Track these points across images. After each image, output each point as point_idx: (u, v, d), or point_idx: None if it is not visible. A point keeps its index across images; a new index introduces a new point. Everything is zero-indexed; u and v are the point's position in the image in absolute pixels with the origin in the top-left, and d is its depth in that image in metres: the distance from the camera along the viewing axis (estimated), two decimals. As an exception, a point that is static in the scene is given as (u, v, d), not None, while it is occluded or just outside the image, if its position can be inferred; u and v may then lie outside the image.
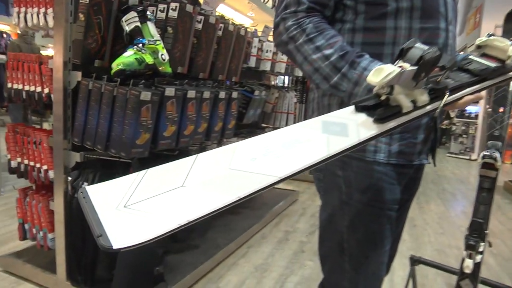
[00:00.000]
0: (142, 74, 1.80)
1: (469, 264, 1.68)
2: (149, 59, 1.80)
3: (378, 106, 0.74)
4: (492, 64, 0.86)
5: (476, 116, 8.44)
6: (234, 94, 2.38)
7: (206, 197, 0.58)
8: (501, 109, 1.58)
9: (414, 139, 1.02)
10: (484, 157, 1.68)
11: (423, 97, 0.76)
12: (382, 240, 1.08)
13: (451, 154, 8.48)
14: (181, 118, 1.96)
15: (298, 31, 0.96)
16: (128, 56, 1.76)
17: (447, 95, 0.78)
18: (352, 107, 0.76)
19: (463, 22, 10.16)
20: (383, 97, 0.74)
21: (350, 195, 1.06)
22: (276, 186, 0.66)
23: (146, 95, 1.71)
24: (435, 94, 0.78)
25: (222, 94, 2.24)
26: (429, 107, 0.78)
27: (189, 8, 2.05)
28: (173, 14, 2.00)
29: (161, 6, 2.02)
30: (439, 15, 0.99)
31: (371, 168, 1.03)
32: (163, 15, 2.02)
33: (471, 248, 1.70)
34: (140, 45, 1.82)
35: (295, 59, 1.00)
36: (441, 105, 0.78)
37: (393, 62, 0.74)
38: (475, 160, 8.27)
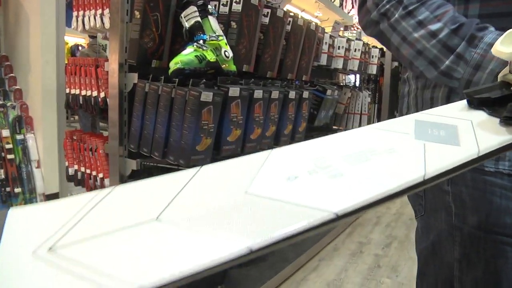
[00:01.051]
0: (203, 73, 1.64)
1: None
2: (210, 56, 1.64)
3: (507, 100, 0.49)
4: None
5: None
6: (305, 94, 2.16)
7: (190, 244, 0.31)
8: None
9: None
10: None
11: None
12: (510, 281, 0.81)
13: None
14: (247, 120, 1.77)
15: (392, 4, 0.74)
16: (187, 54, 1.60)
17: None
18: (464, 101, 0.53)
19: None
20: None
21: (463, 217, 0.80)
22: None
23: (207, 96, 1.54)
24: None
25: (292, 94, 2.03)
26: None
27: (255, 0, 1.87)
28: (237, 7, 1.83)
29: (223, 0, 1.86)
30: None
31: (492, 182, 0.76)
32: (226, 9, 1.85)
33: None
34: (201, 41, 1.66)
35: (389, 42, 0.76)
36: None
37: None
38: None
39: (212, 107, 1.57)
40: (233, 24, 1.84)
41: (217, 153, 1.70)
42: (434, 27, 0.69)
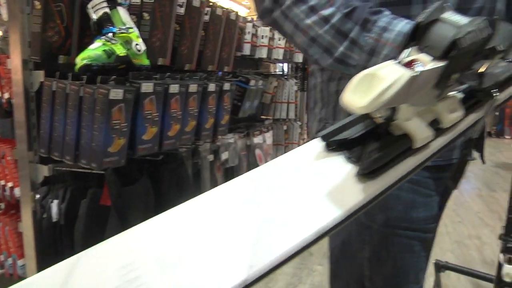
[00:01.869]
0: (113, 69, 1.54)
1: (509, 271, 1.43)
2: (120, 51, 1.54)
3: (369, 139, 0.41)
4: None
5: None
6: (226, 86, 2.11)
7: None
8: None
9: None
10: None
11: (454, 114, 0.45)
12: (416, 274, 0.82)
13: (459, 134, 8.22)
14: (164, 117, 1.70)
15: None
16: (95, 49, 1.49)
17: (495, 96, 0.47)
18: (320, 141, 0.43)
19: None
20: (378, 121, 0.42)
21: (371, 215, 0.79)
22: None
23: (117, 93, 1.45)
24: (477, 98, 0.48)
25: (211, 87, 1.97)
26: (464, 125, 0.46)
27: (168, -11, 1.78)
28: (150, -3, 1.73)
29: (135, -11, 1.75)
30: None
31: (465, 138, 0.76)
32: (138, 0, 1.75)
33: (510, 251, 1.45)
34: (110, 34, 1.55)
35: (283, 30, 0.72)
36: (488, 112, 0.48)
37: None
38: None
39: (124, 105, 1.48)
40: (146, 15, 1.74)
41: (132, 153, 1.61)
42: (326, 12, 0.65)
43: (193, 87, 1.81)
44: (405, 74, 0.33)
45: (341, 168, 0.38)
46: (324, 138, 0.42)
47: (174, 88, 1.70)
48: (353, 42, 0.63)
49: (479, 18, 0.38)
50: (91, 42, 1.56)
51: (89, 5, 1.58)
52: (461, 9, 0.70)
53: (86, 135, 1.47)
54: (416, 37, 0.40)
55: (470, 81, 0.45)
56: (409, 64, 0.37)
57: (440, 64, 0.36)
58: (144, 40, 1.67)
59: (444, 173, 0.78)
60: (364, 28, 0.63)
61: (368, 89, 0.33)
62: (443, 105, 0.43)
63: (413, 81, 0.33)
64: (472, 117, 0.47)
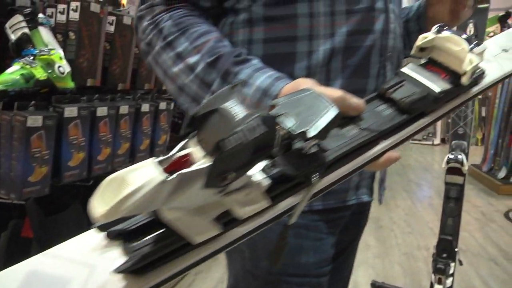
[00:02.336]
0: (34, 93, 1.46)
1: (439, 290, 1.43)
2: (40, 74, 1.46)
3: (151, 229, 0.35)
4: (437, 86, 0.52)
5: (435, 101, 8.40)
6: (162, 105, 2.05)
7: None
8: None
9: None
10: (448, 161, 1.43)
11: (250, 207, 0.37)
12: None
13: (414, 141, 8.40)
14: (91, 141, 1.62)
15: (154, 33, 0.65)
16: (11, 73, 1.41)
17: (314, 180, 0.40)
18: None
19: None
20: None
21: (255, 262, 0.75)
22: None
23: (35, 120, 1.37)
24: (296, 181, 0.40)
25: (145, 107, 1.91)
26: (272, 212, 0.39)
27: (95, 7, 1.72)
28: (75, 15, 1.66)
29: (60, 7, 1.68)
30: None
31: (285, 221, 0.71)
32: (63, 18, 1.68)
33: (440, 272, 1.45)
34: (30, 57, 1.48)
35: (158, 75, 0.69)
36: (306, 199, 0.40)
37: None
38: (438, 145, 8.24)
39: (44, 132, 1.41)
40: (72, 34, 1.67)
41: (58, 181, 1.53)
42: (192, 59, 0.62)
43: (124, 109, 1.75)
44: (154, 179, 0.29)
45: (114, 261, 0.33)
46: (101, 228, 0.36)
47: (102, 111, 1.63)
48: None
49: (254, 114, 0.32)
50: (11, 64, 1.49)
51: (7, 25, 1.50)
52: (350, 48, 0.69)
53: (5, 165, 1.39)
54: (194, 127, 0.34)
55: (282, 165, 0.39)
56: (179, 161, 0.33)
57: (207, 164, 0.31)
58: (71, 61, 1.60)
59: (340, 213, 0.76)
60: (225, 81, 0.59)
61: (114, 194, 0.29)
62: (232, 199, 0.35)
63: (166, 185, 0.29)
64: (287, 203, 0.40)
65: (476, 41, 0.53)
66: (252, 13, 0.70)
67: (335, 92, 0.48)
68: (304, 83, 0.53)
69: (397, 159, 0.50)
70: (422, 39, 0.56)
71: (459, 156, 1.40)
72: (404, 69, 0.55)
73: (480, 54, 0.52)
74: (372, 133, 0.46)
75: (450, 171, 1.43)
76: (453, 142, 1.49)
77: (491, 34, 7.57)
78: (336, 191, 0.73)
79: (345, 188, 0.74)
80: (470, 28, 1.60)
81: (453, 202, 1.44)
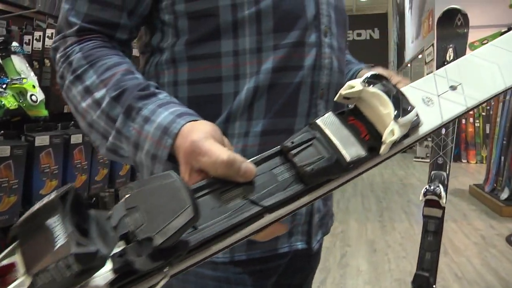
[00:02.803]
0: (4, 123, 1.45)
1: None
2: (11, 103, 1.45)
3: None
4: (349, 153, 0.45)
5: (439, 119, 8.31)
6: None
7: None
8: (443, 130, 1.33)
9: None
10: (425, 193, 1.39)
11: None
12: None
13: (418, 159, 8.34)
14: (65, 169, 1.61)
15: (65, 66, 0.62)
16: (-19, 102, 1.41)
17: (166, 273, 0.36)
18: None
19: (418, 25, 10.13)
20: None
21: None
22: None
23: (2, 150, 1.36)
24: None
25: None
26: None
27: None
28: (50, 42, 1.66)
29: (37, 34, 1.68)
30: (305, 22, 0.67)
31: (204, 274, 0.67)
32: (39, 45, 1.68)
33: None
34: (2, 86, 1.47)
35: (72, 111, 0.65)
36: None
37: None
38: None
39: (12, 161, 1.39)
40: (47, 61, 1.67)
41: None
42: (98, 94, 0.58)
43: (100, 136, 1.73)
44: None
45: None
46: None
47: (76, 138, 1.62)
48: (119, 132, 0.56)
49: (70, 248, 0.30)
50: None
51: (-19, 54, 1.50)
52: (275, 85, 0.66)
53: (-28, 194, 1.38)
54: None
55: (131, 256, 0.34)
56: (3, 269, 0.30)
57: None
58: (46, 88, 1.60)
59: (271, 263, 0.71)
60: (129, 117, 0.55)
61: None
62: None
63: None
64: None
65: (408, 106, 0.47)
66: (175, 52, 0.67)
67: (222, 155, 0.43)
68: (202, 128, 0.49)
69: (284, 232, 0.47)
70: (347, 88, 0.50)
71: (437, 188, 1.36)
72: (320, 121, 0.48)
73: (405, 125, 0.46)
74: (256, 207, 0.41)
75: (428, 203, 1.39)
76: (432, 172, 1.45)
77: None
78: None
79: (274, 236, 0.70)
80: (450, 53, 1.57)
81: (431, 235, 1.40)
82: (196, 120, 0.52)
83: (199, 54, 0.66)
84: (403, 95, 0.48)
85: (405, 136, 0.50)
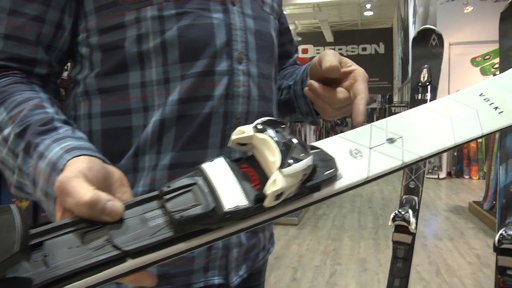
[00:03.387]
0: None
1: None
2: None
3: None
4: (229, 203, 0.42)
5: (441, 134, 8.25)
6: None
7: None
8: None
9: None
10: (394, 218, 1.35)
11: None
12: None
13: (419, 174, 8.26)
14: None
15: None
16: None
17: None
18: None
19: (422, 39, 10.10)
20: None
21: None
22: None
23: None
24: None
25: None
26: None
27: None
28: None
29: None
30: (214, 50, 0.66)
31: None
32: None
33: None
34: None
35: None
36: None
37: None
38: (444, 178, 8.06)
39: None
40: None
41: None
42: (6, 131, 0.57)
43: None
44: None
45: None
46: None
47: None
48: (20, 169, 0.55)
49: None
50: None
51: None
52: (183, 117, 0.64)
53: None
54: None
55: None
56: None
57: None
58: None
59: None
60: (27, 153, 0.54)
61: None
62: None
63: None
64: None
65: (301, 156, 0.43)
66: (87, 85, 0.67)
67: (84, 196, 0.41)
68: (75, 166, 0.46)
69: (150, 284, 0.44)
70: (238, 133, 0.47)
71: (406, 214, 1.32)
72: (206, 166, 0.45)
73: (292, 176, 0.41)
74: (116, 251, 0.39)
75: (397, 229, 1.35)
76: (404, 196, 1.41)
77: (496, 65, 7.48)
78: (175, 275, 0.66)
79: (188, 271, 0.67)
80: (424, 74, 1.54)
81: (400, 262, 1.35)
82: (80, 156, 0.49)
83: (108, 86, 0.65)
84: (298, 143, 0.44)
85: (315, 189, 0.46)
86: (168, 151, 0.64)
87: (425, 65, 1.54)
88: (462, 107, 0.64)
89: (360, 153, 0.52)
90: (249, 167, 0.46)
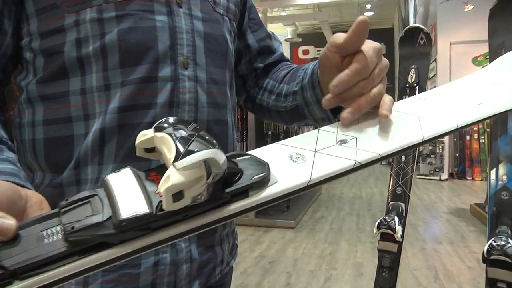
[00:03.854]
0: None
1: None
2: None
3: None
4: (127, 211, 0.37)
5: (442, 135, 8.16)
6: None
7: None
8: (402, 158, 1.23)
9: (135, 268, 0.62)
10: (379, 225, 1.28)
11: None
12: None
13: (421, 176, 8.16)
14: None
15: None
16: None
17: None
18: None
19: (423, 39, 10.01)
20: None
21: None
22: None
23: None
24: None
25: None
26: None
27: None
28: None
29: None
30: (155, 55, 0.62)
31: None
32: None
33: None
34: None
35: None
36: None
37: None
38: (446, 180, 7.97)
39: None
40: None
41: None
42: None
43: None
44: None
45: None
46: None
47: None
48: None
49: None
50: None
51: None
52: (125, 126, 0.60)
53: None
54: None
55: None
56: None
57: None
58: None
59: None
60: None
61: None
62: None
63: None
64: None
65: (202, 146, 0.37)
66: (29, 91, 0.64)
67: None
68: None
69: None
70: (141, 137, 0.43)
71: (392, 222, 1.25)
72: (110, 176, 0.42)
73: (188, 170, 0.36)
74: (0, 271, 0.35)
75: (383, 237, 1.28)
76: (390, 203, 1.34)
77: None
78: None
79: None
80: (412, 74, 1.47)
81: (386, 271, 1.28)
82: None
83: (50, 93, 0.62)
84: (200, 136, 0.39)
85: (241, 195, 0.42)
86: (110, 162, 0.61)
87: (413, 66, 1.47)
88: (432, 104, 0.62)
89: (302, 157, 0.49)
90: (158, 175, 0.42)
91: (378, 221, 1.27)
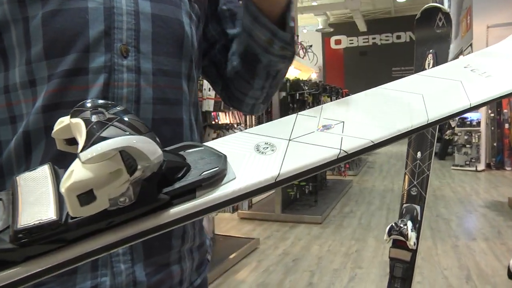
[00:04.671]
0: None
1: None
2: None
3: None
4: (26, 219, 0.30)
5: (478, 123, 7.81)
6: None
7: None
8: (418, 154, 1.10)
9: None
10: (390, 231, 1.14)
11: None
12: None
13: (456, 167, 7.85)
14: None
15: None
16: None
17: None
18: None
19: (457, 24, 9.60)
20: None
21: None
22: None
23: None
24: None
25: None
26: None
27: None
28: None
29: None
30: (87, 43, 0.52)
31: None
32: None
33: None
34: None
35: None
36: None
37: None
38: (482, 171, 7.62)
39: None
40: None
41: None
42: None
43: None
44: None
45: None
46: None
47: None
48: None
49: None
50: None
51: None
52: (51, 128, 0.51)
53: None
54: None
55: None
56: None
57: None
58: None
59: None
60: None
61: None
62: None
63: None
64: None
65: (121, 132, 0.30)
66: None
67: None
68: None
69: None
70: (57, 125, 0.35)
71: (404, 227, 1.11)
72: (23, 176, 0.34)
73: (95, 162, 0.28)
74: None
75: (395, 243, 1.14)
76: (404, 205, 1.20)
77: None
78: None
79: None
80: (429, 60, 1.31)
81: (398, 283, 1.15)
82: None
83: None
84: (123, 120, 0.31)
85: (186, 194, 0.35)
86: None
87: (430, 50, 1.31)
88: (439, 81, 0.55)
89: (272, 147, 0.42)
90: None
91: (389, 226, 1.13)
